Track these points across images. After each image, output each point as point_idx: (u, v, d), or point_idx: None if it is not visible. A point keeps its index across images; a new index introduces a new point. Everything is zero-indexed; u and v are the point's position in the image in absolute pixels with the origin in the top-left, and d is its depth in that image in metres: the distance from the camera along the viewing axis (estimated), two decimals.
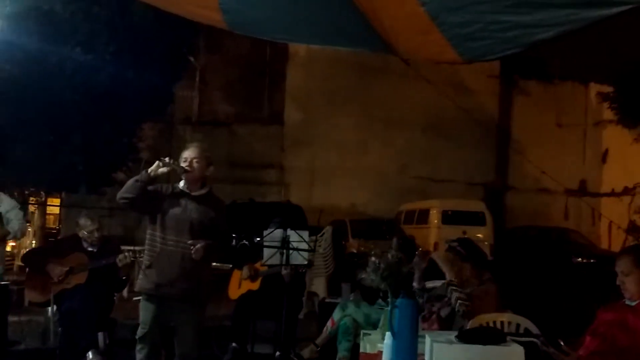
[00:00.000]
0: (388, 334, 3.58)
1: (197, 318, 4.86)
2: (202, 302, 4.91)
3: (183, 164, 4.73)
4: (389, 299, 3.80)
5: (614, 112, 18.68)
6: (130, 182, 4.68)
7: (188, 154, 4.78)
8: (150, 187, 4.70)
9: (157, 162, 4.64)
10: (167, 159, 4.65)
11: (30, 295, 6.37)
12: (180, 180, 4.86)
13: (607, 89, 18.78)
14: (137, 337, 4.81)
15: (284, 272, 6.53)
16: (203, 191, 4.85)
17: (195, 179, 4.79)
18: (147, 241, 4.82)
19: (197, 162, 4.76)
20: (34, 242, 15.16)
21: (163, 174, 4.68)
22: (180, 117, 21.81)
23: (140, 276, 4.85)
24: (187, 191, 4.80)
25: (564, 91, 23.31)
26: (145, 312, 4.78)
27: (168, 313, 4.79)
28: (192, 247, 4.60)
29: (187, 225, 4.69)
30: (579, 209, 22.77)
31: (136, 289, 4.88)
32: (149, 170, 4.64)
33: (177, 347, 4.85)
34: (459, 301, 4.74)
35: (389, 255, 3.93)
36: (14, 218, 6.10)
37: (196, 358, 4.89)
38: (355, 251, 15.47)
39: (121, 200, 4.70)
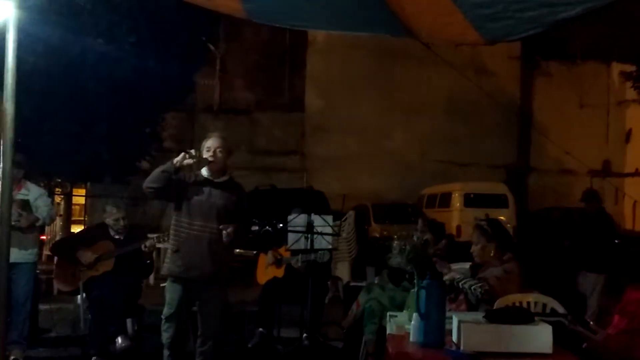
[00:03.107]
0: (415, 315, 3.58)
1: (220, 298, 5.05)
2: (225, 283, 5.09)
3: (206, 154, 4.88)
4: (415, 281, 3.79)
5: (637, 91, 18.43)
6: (156, 172, 4.84)
7: (211, 144, 4.93)
8: (175, 177, 4.85)
9: (182, 154, 4.80)
10: (192, 151, 4.82)
11: (59, 284, 6.45)
12: (202, 168, 5.00)
13: (630, 68, 18.53)
14: (163, 316, 4.95)
15: (297, 264, 6.56)
16: (225, 178, 5.02)
17: (219, 168, 4.95)
18: (172, 227, 4.98)
19: (220, 151, 4.92)
20: (60, 233, 15.32)
21: (188, 164, 4.82)
22: (201, 106, 21.86)
23: (167, 260, 5.01)
24: (211, 178, 4.95)
25: (586, 71, 23.03)
26: (171, 292, 4.94)
27: (194, 294, 4.95)
28: (223, 231, 4.76)
29: (212, 211, 4.86)
30: (602, 189, 22.53)
31: (163, 272, 5.01)
32: (175, 161, 4.79)
33: (200, 327, 4.99)
34: (472, 287, 4.70)
35: (415, 237, 3.93)
36: (42, 205, 6.16)
37: (219, 337, 5.03)
38: (378, 235, 15.49)
39: (147, 190, 4.88)
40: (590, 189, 9.10)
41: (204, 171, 4.96)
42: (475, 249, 5.06)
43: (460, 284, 4.74)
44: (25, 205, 6.02)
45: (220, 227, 4.78)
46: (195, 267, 4.84)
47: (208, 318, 4.96)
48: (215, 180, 4.94)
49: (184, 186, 4.89)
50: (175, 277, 4.92)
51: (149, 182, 4.82)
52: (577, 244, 8.27)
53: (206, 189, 4.89)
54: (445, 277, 4.81)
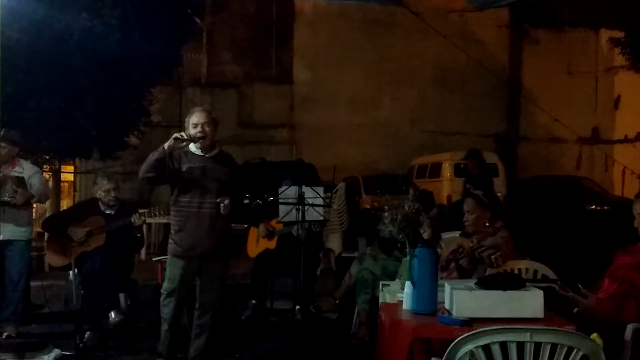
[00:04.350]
0: (408, 283, 3.62)
1: (222, 272, 5.06)
2: (227, 255, 5.10)
3: (193, 130, 4.83)
4: (407, 250, 3.82)
5: (625, 57, 18.37)
6: (149, 160, 4.77)
7: (197, 120, 4.88)
8: (168, 160, 4.81)
9: (173, 138, 4.72)
10: (183, 134, 4.75)
11: (51, 260, 6.46)
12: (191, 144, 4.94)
13: (618, 34, 18.46)
14: (163, 291, 4.97)
15: (298, 232, 6.56)
16: (215, 151, 5.00)
17: (209, 143, 4.92)
18: (172, 208, 4.96)
19: (207, 125, 4.88)
20: (49, 210, 15.26)
21: (182, 146, 4.79)
22: (189, 80, 21.68)
23: (170, 241, 4.99)
24: (202, 154, 4.92)
25: (575, 38, 23.01)
26: (173, 268, 4.95)
27: (196, 269, 4.95)
28: (221, 204, 4.76)
29: (208, 186, 4.85)
30: (592, 156, 22.68)
31: (169, 253, 4.98)
32: (166, 146, 4.73)
33: (199, 300, 5.00)
34: (492, 257, 4.74)
35: (406, 206, 3.95)
36: (37, 182, 6.15)
37: (217, 309, 5.06)
38: (368, 207, 15.54)
39: (144, 180, 4.88)
40: (473, 148, 8.80)
41: (194, 148, 4.90)
42: (470, 218, 5.11)
43: (477, 252, 4.78)
44: (20, 182, 6.00)
45: (217, 200, 4.78)
46: (200, 244, 4.85)
47: (208, 293, 4.97)
48: (207, 155, 4.92)
49: (178, 166, 4.85)
50: (178, 255, 4.92)
51: (144, 172, 4.78)
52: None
53: (199, 166, 4.86)
54: (466, 246, 4.84)
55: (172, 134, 4.80)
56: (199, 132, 4.82)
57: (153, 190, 14.68)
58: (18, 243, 6.04)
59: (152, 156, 4.76)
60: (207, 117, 4.89)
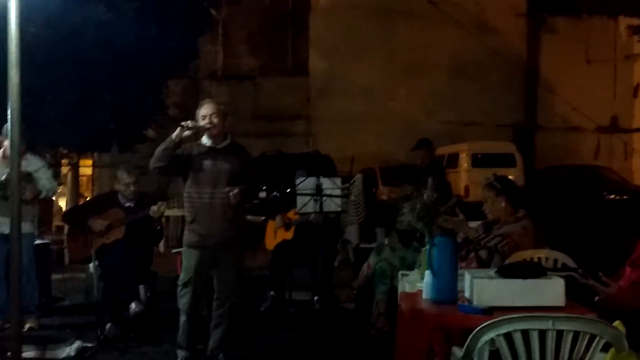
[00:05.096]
0: (427, 273, 3.61)
1: (237, 263, 5.10)
2: (243, 246, 5.14)
3: (202, 122, 4.89)
4: (426, 239, 3.82)
5: None
6: (158, 151, 4.86)
7: (205, 111, 4.94)
8: (178, 151, 4.88)
9: (179, 127, 4.79)
10: (189, 123, 4.82)
11: (71, 253, 6.52)
12: (202, 137, 5.02)
13: (637, 21, 18.25)
14: (179, 282, 5.01)
15: (314, 218, 6.56)
16: (226, 142, 5.04)
17: (218, 133, 4.95)
18: (185, 199, 5.03)
19: (215, 116, 4.92)
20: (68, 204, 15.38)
21: (187, 136, 4.83)
22: (205, 73, 21.74)
23: (185, 232, 5.06)
24: (213, 145, 4.98)
25: (593, 26, 22.75)
26: (188, 259, 5.00)
27: (211, 259, 4.99)
28: (230, 194, 4.79)
29: (219, 177, 4.89)
30: (611, 145, 22.46)
31: (184, 244, 5.04)
32: (174, 136, 4.80)
33: (217, 291, 5.05)
34: (498, 245, 4.73)
35: (425, 196, 3.95)
36: (44, 177, 6.17)
37: (234, 301, 5.08)
38: (386, 198, 15.51)
39: (155, 170, 4.92)
40: (423, 138, 8.53)
41: (205, 139, 4.97)
42: (486, 205, 5.09)
43: (483, 242, 4.77)
44: (28, 177, 6.03)
45: (227, 189, 4.81)
46: (213, 235, 4.89)
47: (224, 283, 5.02)
48: (218, 146, 4.96)
49: (189, 158, 4.91)
50: (193, 246, 4.97)
51: (154, 163, 4.85)
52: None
53: (210, 157, 4.92)
54: (471, 236, 4.83)
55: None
56: (207, 123, 4.87)
57: (170, 182, 14.75)
58: (25, 236, 6.04)
59: (161, 146, 4.85)
60: (215, 109, 4.95)
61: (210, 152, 4.94)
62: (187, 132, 4.79)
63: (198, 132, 4.94)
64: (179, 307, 5.01)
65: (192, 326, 5.03)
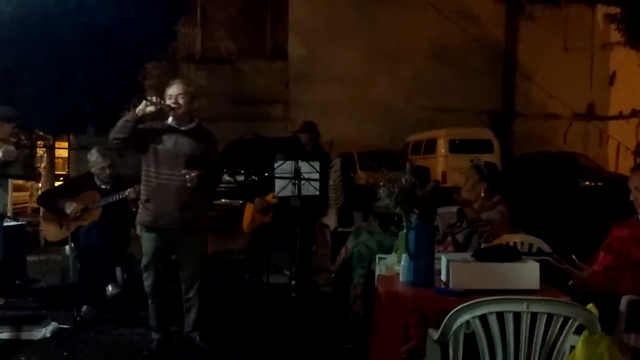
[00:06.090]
0: (404, 256, 3.63)
1: (196, 246, 5.07)
2: (201, 230, 5.11)
3: (169, 101, 4.82)
4: (404, 223, 3.83)
5: (621, 33, 18.30)
6: (120, 122, 4.78)
7: (172, 91, 4.87)
8: (140, 126, 4.81)
9: (144, 102, 4.72)
10: (153, 98, 4.73)
11: (47, 235, 6.45)
12: (169, 117, 4.94)
13: (614, 10, 18.38)
14: (141, 266, 5.02)
15: (294, 202, 6.56)
16: (192, 125, 4.97)
17: (183, 114, 4.90)
18: (142, 177, 4.98)
19: (182, 97, 4.85)
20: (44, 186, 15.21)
21: (151, 112, 4.74)
22: (183, 55, 21.60)
23: (140, 210, 5.03)
24: (177, 126, 4.91)
25: (571, 14, 22.93)
26: (146, 242, 4.99)
27: (167, 242, 4.99)
28: (186, 177, 4.75)
29: (180, 159, 4.84)
30: (586, 132, 22.70)
31: (137, 222, 5.07)
32: (137, 110, 4.71)
33: (181, 275, 5.06)
34: (484, 234, 4.77)
35: (403, 180, 3.95)
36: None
37: (202, 284, 5.06)
38: (364, 183, 15.54)
39: (114, 141, 4.83)
40: (308, 121, 8.36)
41: (170, 119, 4.91)
42: (465, 185, 5.13)
43: (475, 225, 4.80)
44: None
45: (183, 171, 4.76)
46: (165, 215, 4.85)
47: (186, 266, 5.01)
48: (182, 127, 4.90)
49: (151, 135, 4.85)
50: (147, 226, 4.96)
51: (114, 133, 4.77)
52: None
53: (172, 137, 4.85)
54: (470, 214, 4.86)
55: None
56: (173, 102, 4.81)
57: None
58: None
59: (123, 118, 4.78)
60: (182, 89, 4.88)
61: (172, 132, 4.87)
62: (150, 108, 4.69)
63: (161, 111, 4.85)
64: (145, 290, 5.02)
65: (161, 308, 5.05)
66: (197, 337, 5.04)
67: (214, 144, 5.14)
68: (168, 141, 4.84)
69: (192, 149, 4.86)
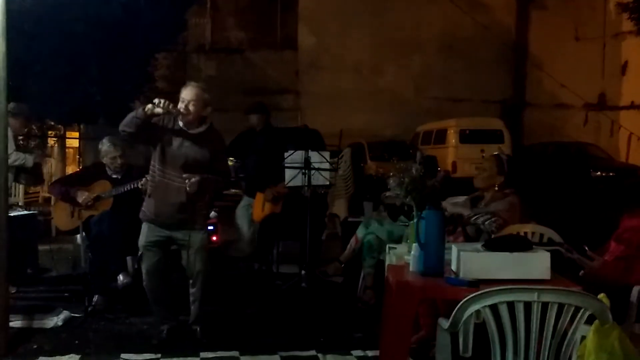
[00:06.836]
0: (415, 245, 3.62)
1: (197, 242, 4.94)
2: (200, 228, 4.99)
3: (180, 104, 4.75)
4: (414, 213, 3.83)
5: (633, 22, 18.14)
6: (129, 116, 4.72)
7: (186, 96, 4.79)
8: (154, 119, 4.76)
9: (152, 103, 4.63)
10: (161, 102, 4.62)
11: (58, 224, 6.48)
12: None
13: None
14: (139, 244, 4.99)
15: (305, 192, 6.55)
16: (201, 129, 4.88)
17: (193, 121, 4.83)
18: (150, 171, 4.97)
19: (193, 105, 4.77)
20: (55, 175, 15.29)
21: (159, 114, 4.69)
22: (193, 46, 21.62)
23: (144, 203, 5.02)
24: (185, 129, 4.85)
25: (582, 3, 22.73)
26: (143, 234, 4.98)
27: (167, 235, 4.94)
28: (186, 181, 4.70)
29: (181, 162, 4.79)
30: (598, 122, 22.56)
31: (140, 214, 5.00)
32: (146, 108, 4.63)
33: (186, 270, 5.00)
34: (486, 222, 4.77)
35: (413, 170, 3.95)
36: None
37: (204, 279, 5.00)
38: (373, 173, 15.53)
39: (122, 133, 4.79)
40: (259, 102, 8.29)
41: (180, 121, 4.85)
42: (483, 174, 5.13)
43: (473, 219, 4.80)
44: None
45: (184, 176, 4.72)
46: (162, 215, 4.84)
47: (188, 261, 4.95)
48: (190, 131, 4.83)
49: (161, 131, 4.81)
50: (148, 220, 4.96)
51: (122, 126, 4.72)
52: None
53: (179, 140, 4.80)
54: (454, 212, 4.86)
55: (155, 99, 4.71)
56: (182, 109, 4.74)
57: None
58: None
59: (133, 113, 4.71)
60: (195, 96, 4.78)
61: (181, 134, 4.82)
62: (158, 110, 4.62)
63: (169, 113, 4.75)
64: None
65: (163, 298, 5.05)
66: (198, 330, 5.05)
67: (221, 150, 5.06)
68: (175, 142, 4.80)
69: (196, 154, 4.80)
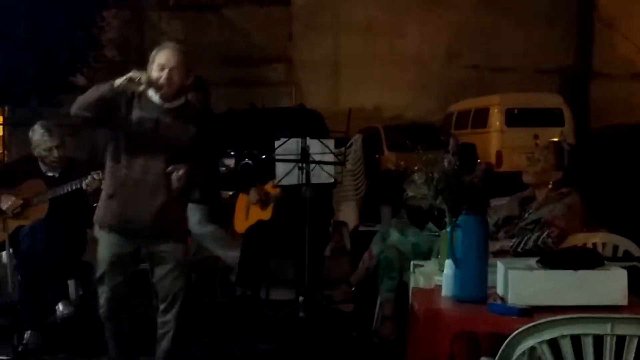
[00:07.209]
0: (448, 262, 3.63)
1: (177, 254, 4.91)
2: (180, 237, 4.99)
3: (158, 73, 4.68)
4: (447, 219, 3.84)
5: None
6: (89, 96, 4.62)
7: (166, 60, 4.71)
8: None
9: (128, 78, 4.54)
10: (142, 77, 4.58)
11: None
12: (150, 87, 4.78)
13: None
14: (99, 260, 4.91)
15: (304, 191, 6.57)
16: (179, 102, 4.84)
17: (173, 92, 4.78)
18: (108, 165, 4.87)
19: (177, 72, 4.72)
20: None
21: (132, 89, 4.65)
22: (152, 0, 21.63)
23: (100, 206, 4.92)
24: (159, 103, 4.77)
25: None
26: (104, 247, 4.89)
27: (135, 250, 4.89)
28: (172, 174, 4.65)
29: (159, 147, 4.72)
30: None
31: (95, 221, 4.95)
32: (116, 83, 4.55)
33: (156, 292, 4.96)
34: (541, 241, 4.79)
35: (445, 162, 3.96)
36: None
37: (183, 302, 4.94)
38: (392, 167, 15.57)
39: (77, 118, 4.71)
40: (197, 75, 8.29)
41: (152, 92, 4.74)
42: (535, 167, 5.14)
43: (521, 249, 4.81)
44: None
45: (169, 169, 4.65)
46: (135, 218, 4.75)
47: (162, 281, 4.89)
48: (165, 105, 4.76)
49: (124, 110, 4.72)
50: (109, 228, 4.87)
51: (79, 109, 4.63)
52: None
53: (152, 117, 4.71)
54: (496, 248, 4.86)
55: (130, 72, 4.66)
56: (165, 78, 4.67)
57: None
58: None
59: (96, 91, 4.61)
60: (178, 61, 4.72)
61: (154, 110, 4.73)
62: (135, 86, 4.58)
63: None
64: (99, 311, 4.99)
65: (122, 335, 5.02)
66: None
67: (206, 127, 5.04)
68: (147, 122, 4.70)
69: (177, 133, 4.76)
